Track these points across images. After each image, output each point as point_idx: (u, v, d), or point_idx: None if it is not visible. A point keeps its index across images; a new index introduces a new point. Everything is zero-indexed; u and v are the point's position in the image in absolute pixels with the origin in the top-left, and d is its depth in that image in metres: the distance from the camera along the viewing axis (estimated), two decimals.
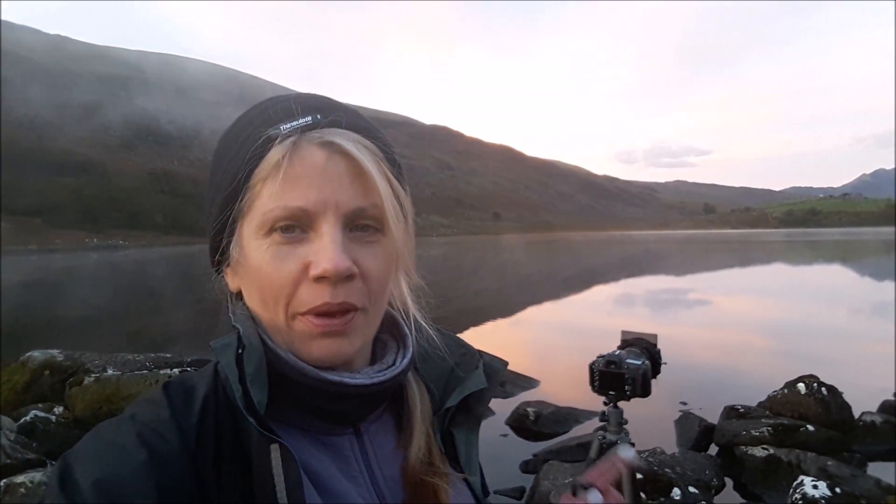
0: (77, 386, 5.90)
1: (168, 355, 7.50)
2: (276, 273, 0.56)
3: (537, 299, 19.01)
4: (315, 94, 0.63)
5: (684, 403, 6.86)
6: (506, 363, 0.76)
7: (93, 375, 6.03)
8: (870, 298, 18.70)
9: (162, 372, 6.22)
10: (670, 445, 5.52)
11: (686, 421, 6.00)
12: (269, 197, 0.56)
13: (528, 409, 6.40)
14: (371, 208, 0.57)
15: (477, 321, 14.05)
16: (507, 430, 6.29)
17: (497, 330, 13.46)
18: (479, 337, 12.27)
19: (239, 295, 0.64)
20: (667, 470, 4.32)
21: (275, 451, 0.53)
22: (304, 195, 0.55)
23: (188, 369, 6.30)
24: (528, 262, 45.15)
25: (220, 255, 0.63)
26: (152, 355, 7.32)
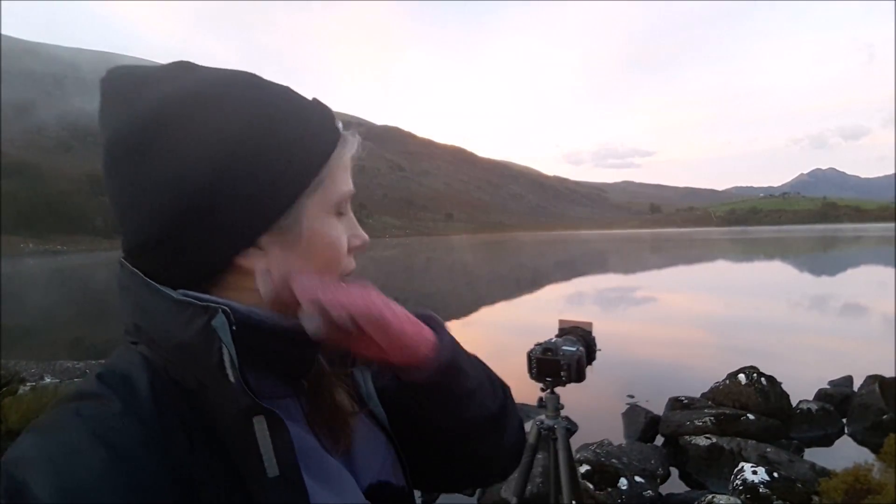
0: (11, 396, 5.63)
1: None
2: (341, 245, 0.64)
3: (490, 299, 19.19)
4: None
5: (631, 396, 7.05)
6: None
7: (28, 384, 5.78)
8: (807, 293, 19.60)
9: None
10: (618, 437, 5.65)
11: (633, 413, 6.16)
12: (342, 182, 0.64)
13: None
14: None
15: None
16: None
17: (453, 332, 13.47)
18: None
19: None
20: (614, 461, 4.42)
21: (259, 423, 0.52)
22: (352, 182, 0.66)
23: None
24: (480, 263, 45.52)
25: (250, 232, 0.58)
26: (93, 363, 7.07)
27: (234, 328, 0.53)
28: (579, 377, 2.01)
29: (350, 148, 0.66)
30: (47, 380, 6.03)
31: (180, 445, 0.51)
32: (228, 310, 0.54)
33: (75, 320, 17.97)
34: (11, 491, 0.43)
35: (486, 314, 16.40)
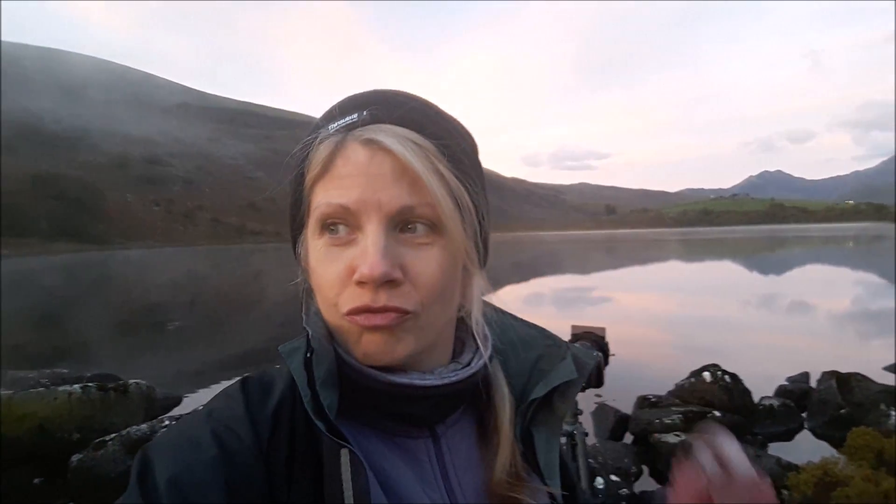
0: None
1: (65, 371, 6.93)
2: (326, 274, 0.56)
3: None
4: (375, 90, 0.60)
5: (599, 395, 7.10)
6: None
7: None
8: (757, 291, 20.16)
9: (61, 389, 5.73)
10: (589, 437, 5.69)
11: (602, 412, 6.21)
12: (320, 195, 0.56)
13: None
14: (420, 207, 0.54)
15: None
16: None
17: None
18: None
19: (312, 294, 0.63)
20: (590, 460, 4.44)
21: (344, 456, 0.53)
22: (346, 193, 0.55)
23: (90, 385, 5.84)
24: None
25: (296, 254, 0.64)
26: (47, 371, 6.75)
27: (308, 356, 0.56)
28: (599, 382, 1.97)
29: (328, 147, 0.56)
30: None
31: (282, 458, 0.54)
32: (315, 346, 0.56)
33: (18, 326, 17.14)
34: (141, 467, 0.50)
35: None
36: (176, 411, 6.78)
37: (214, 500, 0.48)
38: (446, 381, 0.60)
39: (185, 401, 7.50)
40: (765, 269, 30.33)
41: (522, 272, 32.70)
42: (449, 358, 0.65)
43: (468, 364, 0.63)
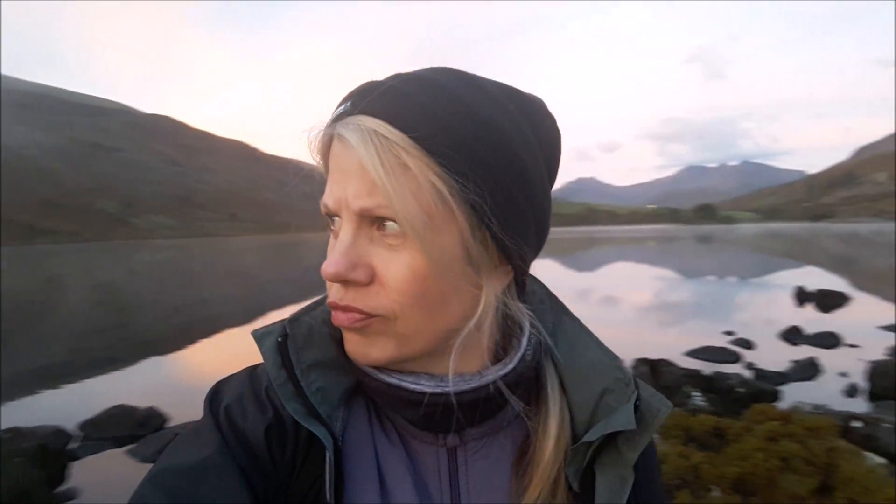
0: None
1: None
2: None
3: (279, 304, 18.13)
4: (395, 74, 0.56)
5: None
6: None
7: None
8: (574, 286, 21.56)
9: None
10: None
11: None
12: (327, 191, 0.57)
13: None
14: (377, 209, 0.51)
15: (209, 331, 12.85)
16: None
17: (233, 339, 12.44)
18: (213, 349, 11.15)
19: None
20: None
21: (327, 440, 0.55)
22: (330, 191, 0.55)
23: None
24: (269, 266, 43.49)
25: None
26: None
27: (280, 340, 0.59)
28: None
29: (323, 141, 0.56)
30: None
31: (300, 435, 0.58)
32: (286, 328, 0.60)
33: None
34: (210, 399, 0.60)
35: (273, 319, 15.16)
36: None
37: (256, 433, 0.56)
38: (437, 390, 0.56)
39: None
40: (580, 267, 32.85)
41: None
42: (487, 364, 0.60)
43: (478, 375, 0.59)
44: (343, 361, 0.59)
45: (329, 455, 0.54)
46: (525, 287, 0.62)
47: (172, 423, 6.84)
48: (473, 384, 0.57)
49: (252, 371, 0.63)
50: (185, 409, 7.00)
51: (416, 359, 0.57)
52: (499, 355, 0.61)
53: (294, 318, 0.61)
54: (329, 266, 0.52)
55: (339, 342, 0.59)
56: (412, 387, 0.56)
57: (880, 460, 3.98)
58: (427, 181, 0.49)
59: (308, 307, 0.63)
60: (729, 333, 10.98)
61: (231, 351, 10.94)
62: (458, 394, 0.56)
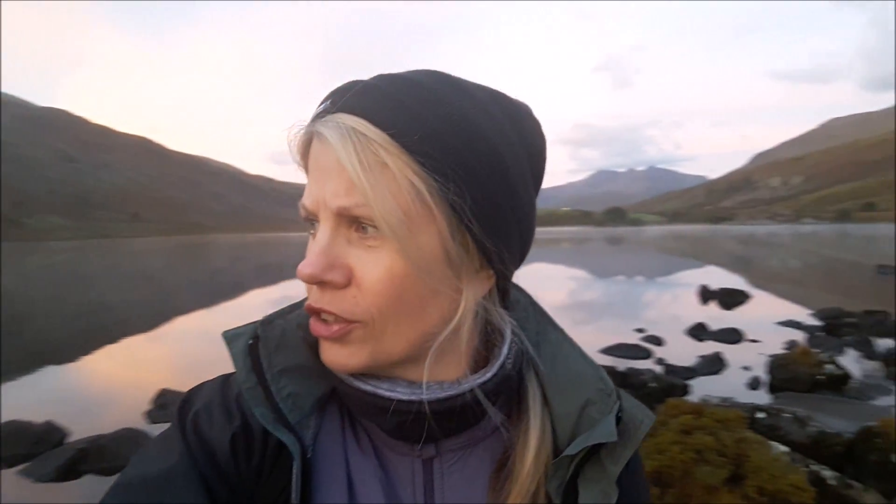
0: None
1: None
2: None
3: (185, 308, 17.29)
4: (364, 79, 0.54)
5: None
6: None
7: None
8: None
9: None
10: None
11: None
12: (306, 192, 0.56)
13: None
14: (355, 207, 0.49)
15: (110, 338, 12.05)
16: None
17: (134, 347, 11.79)
18: (115, 358, 10.49)
19: None
20: None
21: (295, 448, 0.54)
22: (308, 191, 0.54)
23: None
24: (174, 269, 41.55)
25: None
26: None
27: (250, 343, 0.58)
28: None
29: (302, 139, 0.54)
30: None
31: (270, 443, 0.57)
32: (258, 330, 0.59)
33: None
34: (180, 406, 0.59)
35: (180, 325, 14.78)
36: None
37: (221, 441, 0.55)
38: (412, 398, 0.54)
39: None
40: None
41: (270, 275, 31.42)
42: (466, 372, 0.59)
43: (456, 383, 0.57)
44: (317, 367, 0.57)
45: (296, 463, 0.53)
46: (508, 294, 0.60)
47: (73, 438, 6.29)
48: (450, 392, 0.55)
49: (226, 378, 0.61)
50: (86, 421, 6.55)
51: (393, 365, 0.55)
52: (479, 364, 0.59)
53: (267, 321, 0.59)
54: (305, 267, 0.50)
55: (314, 347, 0.57)
56: (387, 394, 0.54)
57: (784, 449, 4.17)
58: (406, 179, 0.48)
59: (283, 310, 0.61)
60: (640, 331, 11.39)
61: (134, 359, 10.36)
62: (433, 402, 0.54)
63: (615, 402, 0.59)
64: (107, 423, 6.35)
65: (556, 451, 0.59)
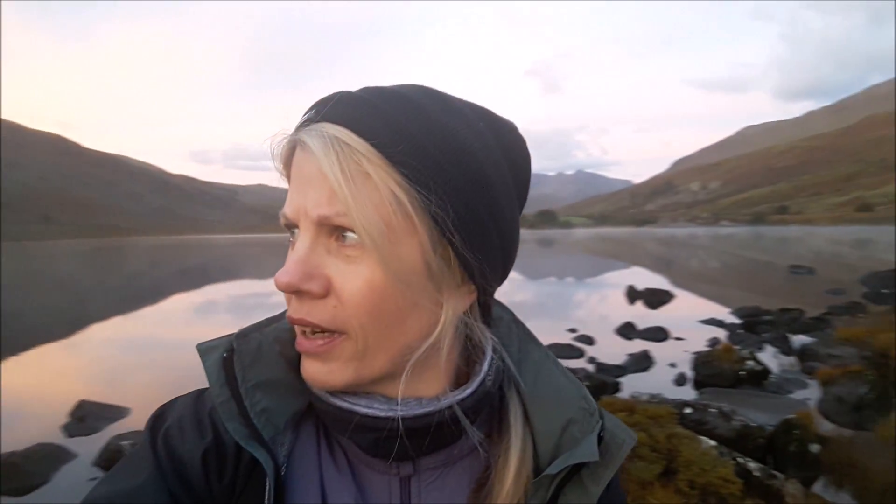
0: None
1: None
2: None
3: (102, 315, 16.37)
4: (349, 90, 0.54)
5: None
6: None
7: None
8: None
9: None
10: None
11: None
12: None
13: (123, 443, 5.38)
14: (336, 217, 0.49)
15: (19, 347, 11.26)
16: (98, 472, 5.28)
17: (48, 356, 11.06)
18: (25, 368, 9.85)
19: None
20: None
21: (268, 465, 0.53)
22: (290, 200, 0.54)
23: None
24: (89, 273, 39.38)
25: None
26: None
27: (225, 355, 0.56)
28: None
29: (285, 148, 0.54)
30: None
31: (242, 458, 0.56)
32: (233, 343, 0.57)
33: None
34: (152, 422, 0.58)
35: (97, 332, 13.95)
36: None
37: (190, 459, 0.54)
38: (390, 414, 0.53)
39: None
40: None
41: (193, 279, 30.33)
42: (446, 389, 0.58)
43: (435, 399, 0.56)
44: (294, 382, 0.57)
45: (269, 481, 0.52)
46: (489, 310, 0.60)
47: None
48: (429, 408, 0.55)
49: (199, 394, 0.60)
50: None
51: (373, 381, 0.55)
52: (460, 380, 0.59)
53: (243, 334, 0.58)
54: (282, 275, 0.50)
55: (291, 362, 0.57)
56: (364, 410, 0.54)
57: (712, 443, 4.30)
58: (388, 190, 0.48)
59: (260, 323, 0.60)
60: (572, 331, 11.57)
61: (48, 369, 9.72)
62: (411, 418, 0.54)
63: (597, 422, 0.59)
64: (20, 439, 5.88)
65: (537, 471, 0.58)
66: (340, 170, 0.47)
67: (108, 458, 5.33)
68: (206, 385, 0.55)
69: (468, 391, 0.56)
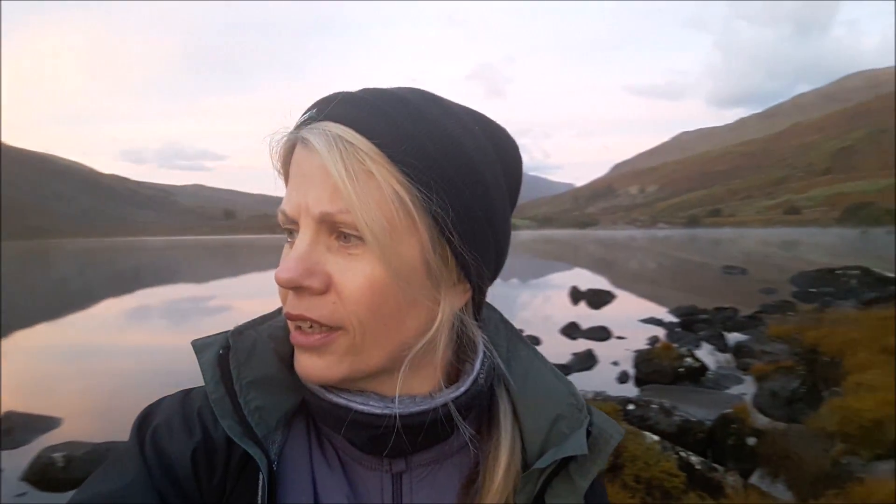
0: None
1: None
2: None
3: (26, 322, 15.48)
4: (350, 91, 0.55)
5: None
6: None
7: None
8: None
9: None
10: None
11: None
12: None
13: (55, 455, 5.16)
14: (338, 214, 0.49)
15: None
16: (26, 487, 5.04)
17: None
18: None
19: None
20: None
21: (262, 462, 0.53)
22: (289, 198, 0.54)
23: None
24: (12, 277, 37.19)
25: None
26: None
27: (221, 352, 0.57)
28: None
29: (285, 146, 0.55)
30: None
31: (235, 455, 0.56)
32: (249, 345, 0.58)
33: None
34: (139, 422, 0.58)
35: (21, 339, 13.23)
36: None
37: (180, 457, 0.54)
38: (386, 412, 0.54)
39: None
40: None
41: (125, 283, 29.17)
42: (439, 386, 0.59)
43: (429, 397, 0.57)
44: (287, 380, 0.57)
45: (263, 479, 0.53)
46: (482, 309, 0.61)
47: None
48: (423, 406, 0.55)
49: (186, 393, 0.61)
50: None
51: (368, 377, 0.55)
52: (451, 378, 0.60)
53: (238, 331, 0.59)
54: (283, 271, 0.50)
55: (285, 359, 0.58)
56: (360, 407, 0.54)
57: (655, 438, 4.38)
58: (390, 189, 0.49)
59: (255, 321, 0.61)
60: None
61: None
62: (406, 415, 0.54)
63: (586, 417, 0.60)
64: None
65: (526, 468, 0.59)
66: (344, 168, 0.48)
67: (39, 472, 5.07)
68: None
69: (462, 389, 0.57)
